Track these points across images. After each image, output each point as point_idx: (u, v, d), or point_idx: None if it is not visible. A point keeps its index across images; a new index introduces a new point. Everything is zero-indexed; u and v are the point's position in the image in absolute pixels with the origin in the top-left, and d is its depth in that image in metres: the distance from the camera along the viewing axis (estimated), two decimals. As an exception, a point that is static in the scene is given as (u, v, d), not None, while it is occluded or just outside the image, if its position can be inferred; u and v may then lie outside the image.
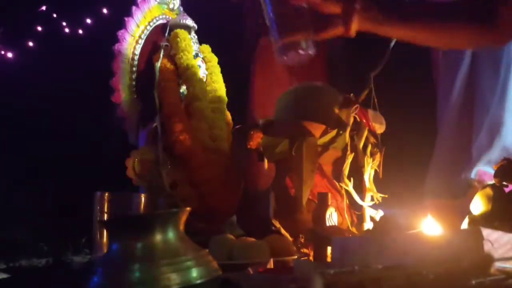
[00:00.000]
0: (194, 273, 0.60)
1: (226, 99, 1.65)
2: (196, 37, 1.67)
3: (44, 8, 2.25)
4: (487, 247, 0.66)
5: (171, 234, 0.63)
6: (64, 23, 2.32)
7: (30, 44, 2.29)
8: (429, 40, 1.04)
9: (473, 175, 1.07)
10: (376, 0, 0.99)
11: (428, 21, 0.96)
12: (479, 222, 0.89)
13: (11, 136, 2.10)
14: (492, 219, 0.88)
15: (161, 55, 1.56)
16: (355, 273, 0.57)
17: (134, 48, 1.58)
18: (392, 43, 1.35)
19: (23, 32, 2.28)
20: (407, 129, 1.44)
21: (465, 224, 0.92)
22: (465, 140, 1.12)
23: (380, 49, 1.43)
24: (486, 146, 1.13)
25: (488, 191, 0.92)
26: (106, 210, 1.05)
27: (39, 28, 2.29)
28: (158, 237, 0.62)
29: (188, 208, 0.67)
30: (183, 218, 0.66)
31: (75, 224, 1.33)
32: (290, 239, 1.12)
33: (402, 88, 1.52)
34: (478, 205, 0.92)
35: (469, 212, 0.93)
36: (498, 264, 0.64)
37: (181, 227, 0.66)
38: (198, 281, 0.59)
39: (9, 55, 2.28)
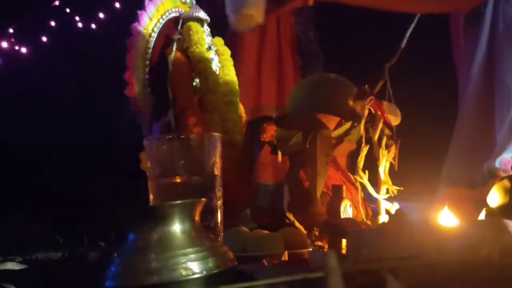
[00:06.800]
0: (211, 263, 0.60)
1: (239, 92, 1.65)
2: (208, 30, 1.66)
3: (57, 3, 2.27)
4: (506, 237, 0.65)
5: (187, 225, 0.63)
6: (77, 18, 2.33)
7: (44, 39, 2.30)
8: (393, 3, 1.02)
9: (497, 164, 1.03)
10: None
11: None
12: (496, 214, 0.87)
13: (25, 129, 2.12)
14: (509, 211, 0.87)
15: (174, 48, 1.56)
16: (372, 263, 0.57)
17: (147, 41, 1.58)
18: (407, 34, 1.33)
19: (36, 27, 2.29)
20: (423, 121, 1.43)
21: (482, 216, 0.91)
22: (486, 128, 1.09)
23: (395, 41, 1.42)
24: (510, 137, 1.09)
25: (506, 183, 0.90)
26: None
27: (52, 23, 2.30)
28: (174, 227, 0.62)
29: (203, 199, 0.67)
30: (199, 208, 0.66)
31: (90, 217, 1.34)
32: (304, 232, 1.12)
33: (417, 79, 1.50)
34: (495, 197, 0.91)
35: (486, 204, 0.91)
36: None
37: (197, 217, 0.66)
38: (215, 271, 0.59)
39: (23, 50, 2.30)
